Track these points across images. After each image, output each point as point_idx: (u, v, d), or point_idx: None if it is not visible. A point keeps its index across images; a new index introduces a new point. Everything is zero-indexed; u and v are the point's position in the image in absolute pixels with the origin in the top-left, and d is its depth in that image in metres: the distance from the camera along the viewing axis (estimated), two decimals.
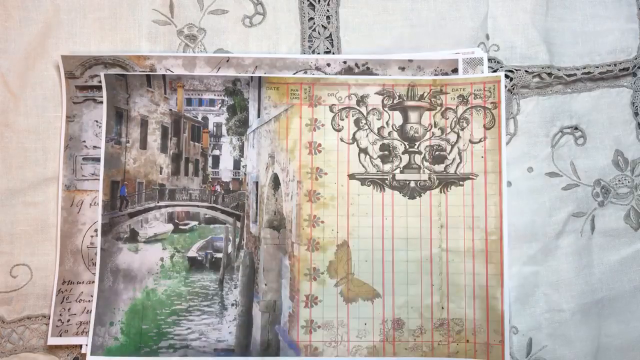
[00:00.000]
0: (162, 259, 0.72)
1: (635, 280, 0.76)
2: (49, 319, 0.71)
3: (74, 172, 0.72)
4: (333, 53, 0.76)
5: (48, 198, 0.73)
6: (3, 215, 0.72)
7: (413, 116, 0.74)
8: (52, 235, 0.72)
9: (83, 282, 0.71)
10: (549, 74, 0.75)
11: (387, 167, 0.73)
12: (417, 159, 0.74)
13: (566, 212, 0.75)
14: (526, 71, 0.75)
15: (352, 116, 0.74)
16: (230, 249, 0.74)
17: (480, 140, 0.73)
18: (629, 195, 0.76)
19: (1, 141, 0.73)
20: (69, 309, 0.71)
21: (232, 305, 0.72)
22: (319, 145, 0.73)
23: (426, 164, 0.73)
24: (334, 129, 0.74)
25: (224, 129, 0.74)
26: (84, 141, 0.73)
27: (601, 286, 0.75)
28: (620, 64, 0.76)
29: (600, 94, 0.77)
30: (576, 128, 0.76)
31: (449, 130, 0.74)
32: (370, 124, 0.74)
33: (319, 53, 0.76)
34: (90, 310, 0.71)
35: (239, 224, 0.74)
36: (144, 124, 0.73)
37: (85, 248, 0.72)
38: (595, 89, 0.77)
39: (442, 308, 0.72)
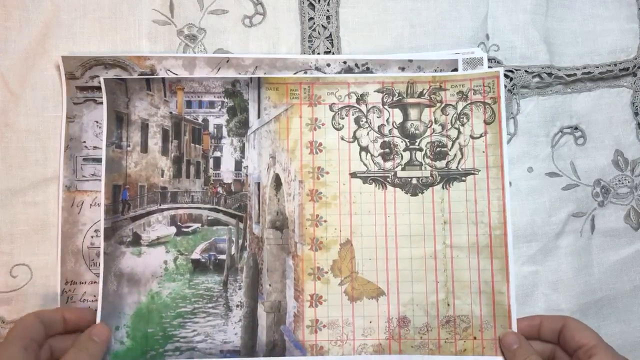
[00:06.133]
0: (165, 262, 0.72)
1: (636, 280, 0.76)
2: None
3: (74, 172, 0.72)
4: (333, 53, 0.75)
5: (48, 198, 0.72)
6: (3, 215, 0.72)
7: (413, 113, 0.74)
8: (52, 235, 0.72)
9: (85, 283, 0.71)
10: (549, 74, 0.75)
11: (388, 164, 0.73)
12: (419, 155, 0.73)
13: (566, 212, 0.75)
14: (526, 71, 0.75)
15: (352, 114, 0.74)
16: (233, 251, 0.73)
17: (481, 136, 0.73)
18: (629, 195, 0.77)
19: (1, 141, 0.72)
20: None
21: (237, 306, 0.72)
22: (320, 144, 0.73)
23: (427, 160, 0.73)
24: (334, 127, 0.74)
25: (224, 131, 0.74)
26: (84, 142, 0.72)
27: (601, 286, 0.76)
28: (620, 64, 0.76)
29: (600, 94, 0.77)
30: (576, 128, 0.77)
31: (449, 126, 0.74)
32: (370, 122, 0.74)
33: (319, 53, 0.76)
34: (95, 310, 0.70)
35: (241, 225, 0.74)
36: (144, 127, 0.73)
37: (86, 249, 0.72)
38: (595, 89, 0.77)
39: (448, 305, 0.72)
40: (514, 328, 0.71)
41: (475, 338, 0.71)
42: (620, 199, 0.77)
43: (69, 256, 0.71)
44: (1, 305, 0.71)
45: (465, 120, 0.73)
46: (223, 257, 0.73)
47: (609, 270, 0.76)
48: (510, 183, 0.74)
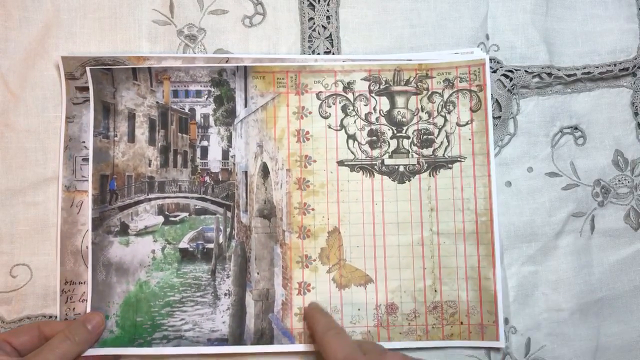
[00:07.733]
0: (153, 251, 0.72)
1: (635, 280, 0.76)
2: (49, 318, 0.71)
3: (73, 172, 0.73)
4: (333, 53, 0.76)
5: (48, 198, 0.73)
6: (3, 215, 0.73)
7: (400, 101, 0.74)
8: (52, 235, 0.73)
9: (84, 282, 0.72)
10: (549, 74, 0.75)
11: (375, 152, 0.74)
12: (406, 143, 0.74)
13: (566, 212, 0.75)
14: (526, 71, 0.75)
15: (339, 103, 0.74)
16: (221, 239, 0.74)
17: (467, 123, 0.73)
18: (629, 195, 0.76)
19: (1, 141, 0.73)
20: (74, 309, 0.71)
21: (225, 295, 0.72)
22: (307, 132, 0.74)
23: (414, 148, 0.73)
24: (321, 116, 0.74)
25: (211, 120, 0.74)
26: (84, 142, 0.73)
27: (601, 286, 0.75)
28: (620, 64, 0.76)
29: (600, 94, 0.77)
30: (576, 128, 0.76)
31: (436, 114, 0.74)
32: (357, 110, 0.74)
33: (319, 53, 0.76)
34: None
35: (229, 214, 0.74)
36: (131, 117, 0.74)
37: (85, 248, 0.72)
38: (595, 89, 0.77)
39: (435, 291, 0.72)
40: (500, 312, 0.70)
41: (462, 323, 0.71)
42: (620, 199, 0.76)
43: (69, 256, 0.72)
44: (1, 305, 0.72)
45: (451, 107, 0.74)
46: (211, 246, 0.73)
47: (609, 270, 0.75)
48: (510, 183, 0.74)
